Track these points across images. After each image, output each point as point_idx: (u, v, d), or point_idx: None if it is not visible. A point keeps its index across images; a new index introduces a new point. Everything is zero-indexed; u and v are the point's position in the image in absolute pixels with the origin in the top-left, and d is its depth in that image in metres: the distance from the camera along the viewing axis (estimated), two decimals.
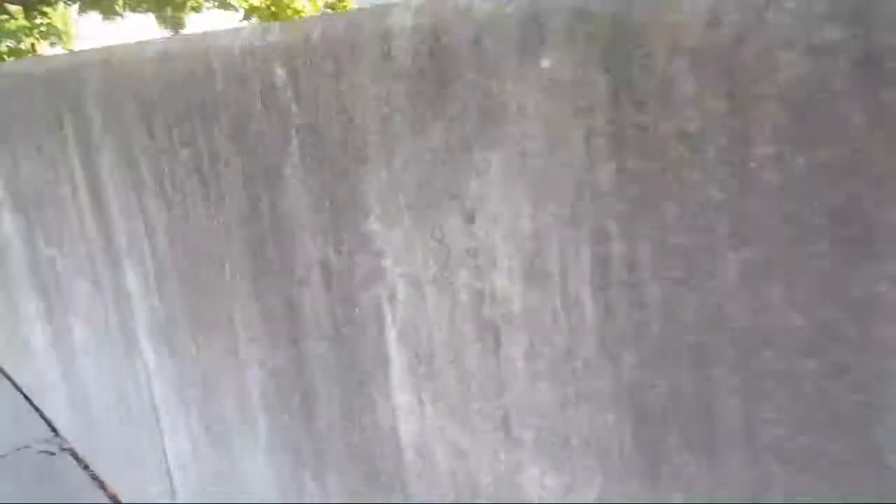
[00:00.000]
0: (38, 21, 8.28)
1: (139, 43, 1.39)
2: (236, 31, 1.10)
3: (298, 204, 1.05)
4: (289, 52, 0.98)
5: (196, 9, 8.57)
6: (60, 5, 9.18)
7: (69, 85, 1.67)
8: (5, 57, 7.59)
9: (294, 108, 0.99)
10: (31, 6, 8.47)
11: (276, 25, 1.02)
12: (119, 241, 1.66)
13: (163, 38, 1.37)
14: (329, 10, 8.73)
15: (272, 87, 1.03)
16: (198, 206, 1.31)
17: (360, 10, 0.89)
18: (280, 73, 1.00)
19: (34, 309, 2.53)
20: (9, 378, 3.18)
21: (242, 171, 1.15)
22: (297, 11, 7.65)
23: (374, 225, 0.91)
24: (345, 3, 9.24)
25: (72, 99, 1.67)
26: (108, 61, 1.46)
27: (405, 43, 0.79)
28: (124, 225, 1.60)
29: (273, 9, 7.46)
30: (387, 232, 0.89)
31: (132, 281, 1.65)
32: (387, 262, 0.91)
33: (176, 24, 8.85)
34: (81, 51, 1.70)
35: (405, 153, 0.83)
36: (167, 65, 1.27)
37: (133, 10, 8.58)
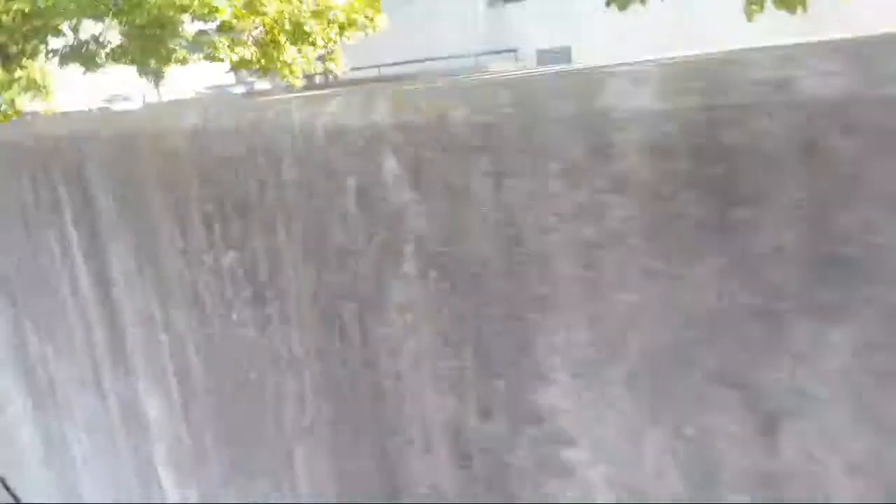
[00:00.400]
0: (17, 75, 8.04)
1: (170, 107, 1.10)
2: (319, 103, 0.81)
3: (415, 343, 0.75)
4: (408, 136, 0.69)
5: (182, 61, 8.38)
6: (41, 58, 8.97)
7: (68, 159, 1.37)
8: None
9: (415, 215, 0.70)
10: (11, 59, 8.24)
11: (383, 99, 0.74)
12: (134, 353, 1.34)
13: (205, 104, 1.08)
14: (319, 63, 8.54)
15: (376, 182, 0.73)
16: (248, 326, 1.01)
17: (534, 77, 0.60)
18: (391, 164, 0.71)
19: (21, 408, 2.19)
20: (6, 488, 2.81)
21: (321, 289, 0.86)
22: (286, 64, 7.42)
23: (557, 398, 0.61)
24: (334, 57, 9.05)
25: (72, 177, 1.37)
26: (124, 133, 1.17)
27: (644, 135, 0.51)
28: (142, 334, 1.29)
29: (263, 61, 7.22)
30: (583, 413, 0.59)
31: (151, 402, 1.33)
32: (580, 456, 0.60)
33: (157, 76, 8.64)
34: (85, 114, 1.41)
35: (629, 301, 0.54)
36: (211, 142, 0.98)
37: (116, 61, 8.38)
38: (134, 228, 1.20)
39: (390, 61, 17.13)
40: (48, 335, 1.77)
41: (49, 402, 1.93)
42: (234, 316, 1.03)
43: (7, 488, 2.78)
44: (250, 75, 8.61)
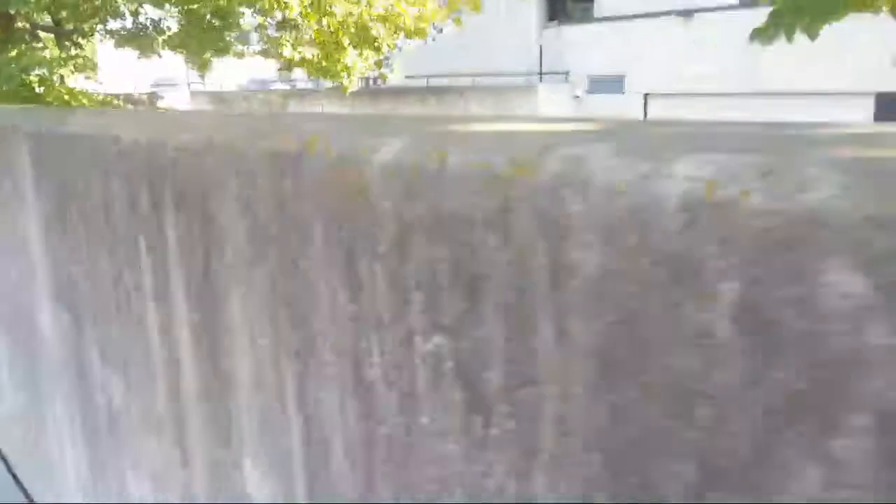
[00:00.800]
0: (72, 52, 7.95)
1: (352, 125, 0.82)
2: (647, 154, 0.52)
3: None
4: None
5: (239, 55, 8.25)
6: (96, 37, 8.89)
7: (187, 171, 1.10)
8: (35, 87, 7.18)
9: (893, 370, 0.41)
10: (64, 36, 8.15)
11: (823, 169, 0.45)
12: (241, 421, 1.06)
13: (401, 125, 0.80)
14: (377, 68, 8.35)
15: (798, 301, 0.45)
16: (448, 440, 0.72)
17: None
18: (845, 281, 0.43)
19: (68, 435, 1.92)
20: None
21: (617, 429, 0.57)
22: (346, 67, 7.20)
23: None
24: (390, 63, 8.88)
25: (188, 193, 1.10)
26: (279, 151, 0.89)
27: None
28: (260, 403, 1.01)
29: (324, 63, 7.00)
30: None
31: (259, 486, 1.05)
32: None
33: (205, 66, 8.52)
34: (213, 117, 1.14)
35: None
36: (423, 186, 0.70)
37: (173, 49, 8.28)
38: (274, 273, 0.92)
39: (438, 72, 16.95)
40: (118, 366, 1.50)
41: (105, 436, 1.66)
42: (426, 420, 0.75)
43: (23, 489, 2.69)
44: (301, 75, 8.43)
